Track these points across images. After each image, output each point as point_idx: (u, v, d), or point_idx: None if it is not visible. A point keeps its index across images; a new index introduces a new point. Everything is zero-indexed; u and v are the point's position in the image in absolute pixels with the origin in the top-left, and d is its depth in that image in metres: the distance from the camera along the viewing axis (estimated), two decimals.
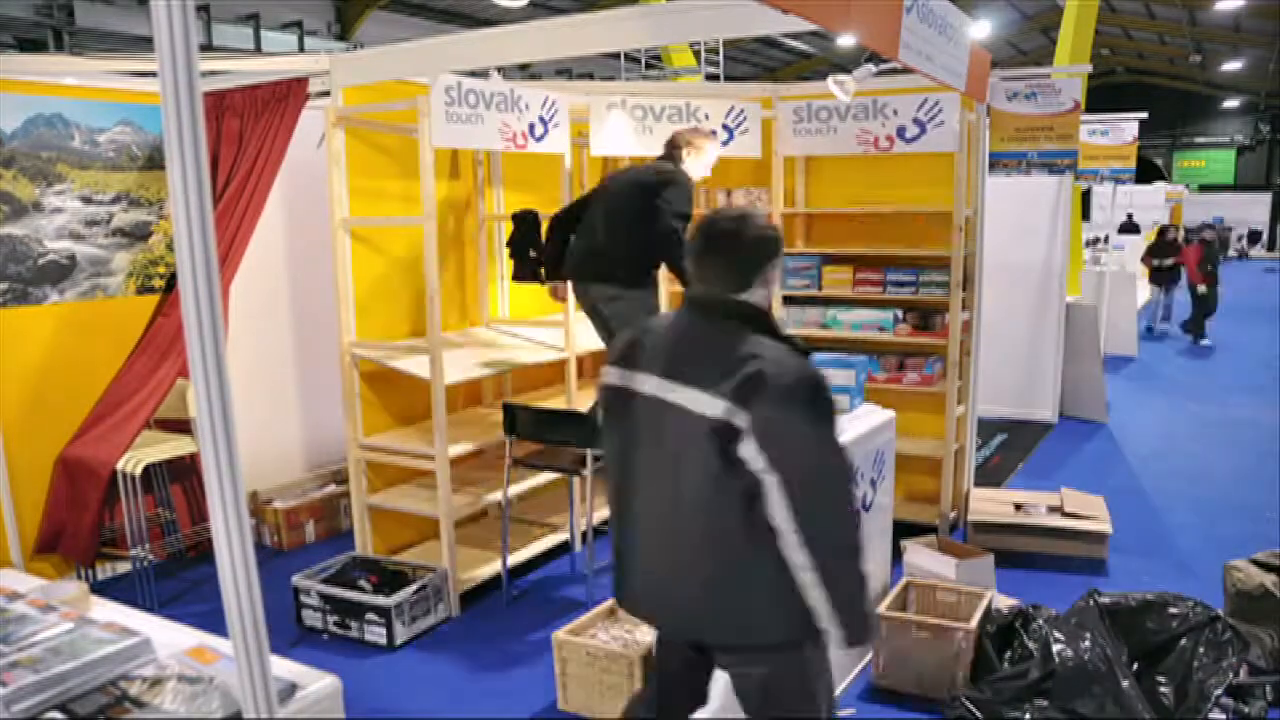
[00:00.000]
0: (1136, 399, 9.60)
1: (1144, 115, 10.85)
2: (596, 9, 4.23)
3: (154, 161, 5.16)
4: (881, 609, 3.92)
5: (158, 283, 5.25)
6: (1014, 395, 8.39)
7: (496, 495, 4.94)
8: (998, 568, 4.58)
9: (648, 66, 14.52)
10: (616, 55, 14.60)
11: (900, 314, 5.73)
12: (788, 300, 6.05)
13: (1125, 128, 10.93)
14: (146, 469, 4.75)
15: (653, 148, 5.85)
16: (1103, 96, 23.37)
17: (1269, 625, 3.95)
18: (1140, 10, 24.21)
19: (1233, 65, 28.43)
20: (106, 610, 2.22)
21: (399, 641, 4.34)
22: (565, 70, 19.71)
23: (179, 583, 5.06)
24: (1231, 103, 36.33)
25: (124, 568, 5.10)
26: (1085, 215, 15.33)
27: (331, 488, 5.93)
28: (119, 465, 4.68)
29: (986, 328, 5.91)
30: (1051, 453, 7.59)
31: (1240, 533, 5.50)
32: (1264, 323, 15.56)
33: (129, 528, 4.77)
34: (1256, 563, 4.18)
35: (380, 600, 4.32)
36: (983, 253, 5.68)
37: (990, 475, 6.81)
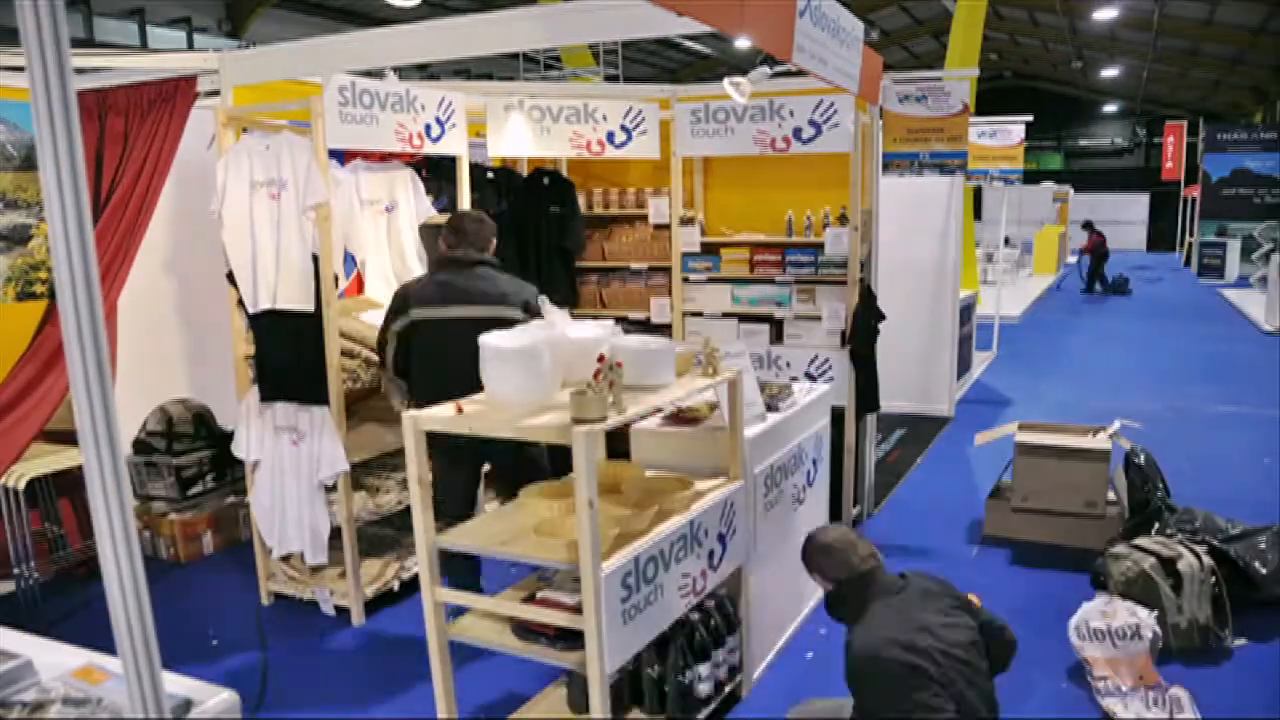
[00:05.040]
0: (1030, 388, 9.93)
1: (1030, 118, 11.25)
2: (492, 9, 4.21)
3: (31, 161, 4.95)
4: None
5: (39, 289, 5.03)
6: (912, 390, 8.61)
7: (398, 496, 4.87)
8: None
9: (547, 67, 14.47)
10: (515, 55, 14.51)
11: (796, 291, 5.88)
12: (690, 282, 6.20)
13: (1013, 130, 11.33)
14: (31, 483, 4.55)
15: (551, 148, 5.87)
16: (991, 100, 24.17)
17: (1150, 607, 4.14)
18: (1025, 17, 25.09)
19: (1111, 72, 29.68)
20: None
21: None
22: (464, 70, 19.52)
23: (69, 601, 4.86)
24: (1111, 107, 37.96)
25: (8, 587, 4.87)
26: (977, 214, 15.83)
27: (230, 498, 5.76)
28: (0, 480, 4.47)
29: (884, 324, 6.05)
30: (951, 444, 7.83)
31: None
32: (1140, 315, 16.33)
33: (12, 545, 4.57)
34: (1138, 547, 4.37)
35: None
36: (878, 251, 5.81)
37: (891, 470, 6.98)
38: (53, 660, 1.90)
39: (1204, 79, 28.67)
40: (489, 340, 3.00)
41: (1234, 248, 22.77)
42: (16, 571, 4.64)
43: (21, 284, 4.98)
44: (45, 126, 1.12)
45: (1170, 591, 4.13)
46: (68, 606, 4.80)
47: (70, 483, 5.03)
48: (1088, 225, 20.60)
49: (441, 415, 2.97)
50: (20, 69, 4.83)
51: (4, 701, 1.74)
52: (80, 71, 4.42)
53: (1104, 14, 20.87)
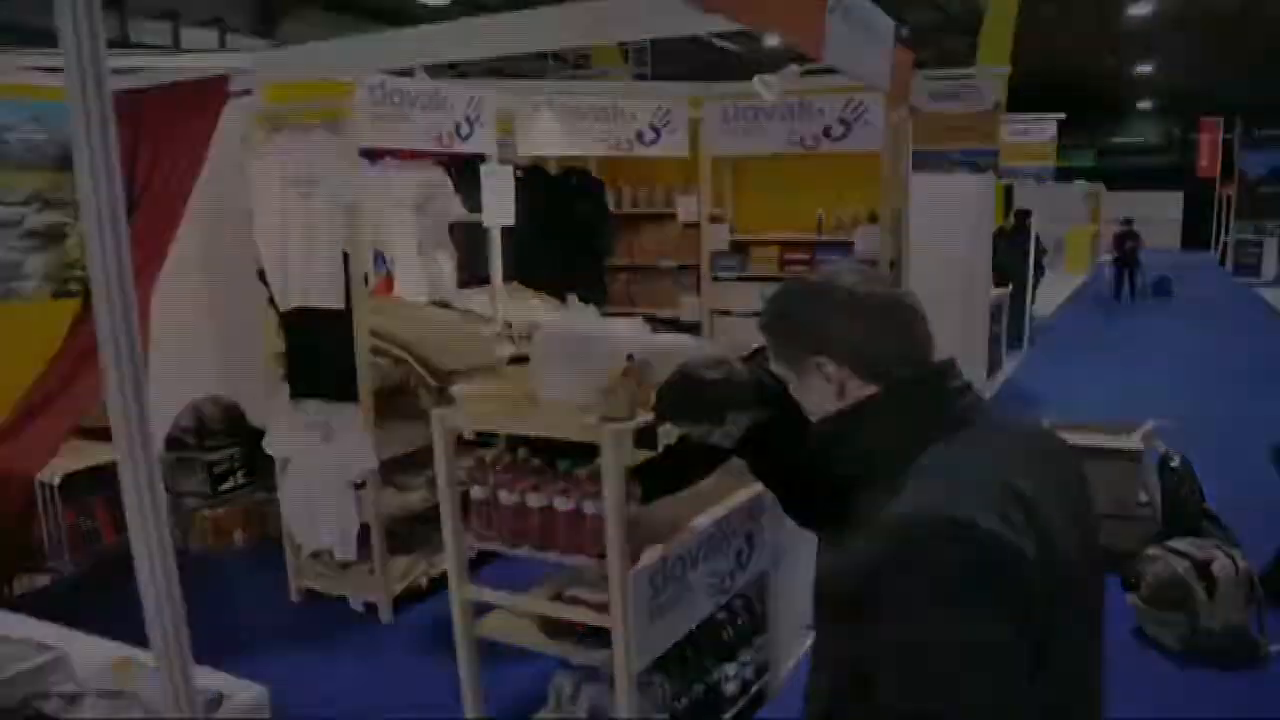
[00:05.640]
0: (1061, 387, 9.83)
1: (1062, 115, 11.15)
2: (523, 8, 4.21)
3: (69, 161, 4.99)
4: None
5: (74, 286, 5.09)
6: None
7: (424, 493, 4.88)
8: None
9: (576, 66, 14.48)
10: (544, 54, 14.52)
11: None
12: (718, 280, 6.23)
13: (1044, 127, 11.24)
14: (66, 478, 4.61)
15: (580, 147, 5.87)
16: (1023, 97, 23.88)
17: (1181, 612, 4.09)
18: (1057, 13, 24.81)
19: (1145, 69, 29.29)
20: (20, 625, 2.15)
21: None
22: (495, 69, 19.54)
23: (104, 595, 4.91)
24: (1145, 104, 37.46)
25: (44, 581, 4.93)
26: (1008, 212, 15.68)
27: (261, 494, 5.80)
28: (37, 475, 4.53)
29: None
30: None
31: None
32: (1173, 313, 16.14)
33: (47, 539, 4.63)
34: (1171, 549, 4.31)
35: None
36: (909, 250, 5.77)
37: None
38: (88, 653, 1.93)
39: (1241, 75, 28.23)
40: (544, 331, 2.95)
41: (1270, 245, 22.43)
42: (52, 565, 4.70)
43: (58, 282, 5.04)
44: (81, 127, 1.13)
45: (1204, 595, 4.07)
46: (102, 600, 4.85)
47: (105, 478, 5.08)
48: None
49: (472, 413, 2.96)
50: (58, 69, 4.89)
51: (42, 693, 1.76)
52: (115, 72, 4.47)
53: (1139, 9, 20.59)
